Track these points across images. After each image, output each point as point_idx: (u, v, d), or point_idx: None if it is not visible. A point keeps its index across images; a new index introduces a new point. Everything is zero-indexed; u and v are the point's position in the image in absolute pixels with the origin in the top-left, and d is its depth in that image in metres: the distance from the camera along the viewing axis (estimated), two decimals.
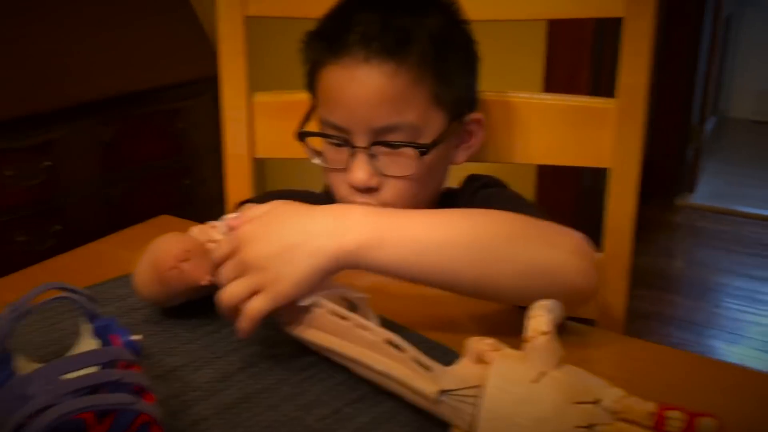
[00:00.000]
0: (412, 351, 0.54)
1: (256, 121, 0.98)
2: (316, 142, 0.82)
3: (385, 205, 0.78)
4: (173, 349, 0.66)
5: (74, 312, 0.72)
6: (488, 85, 0.88)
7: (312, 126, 0.83)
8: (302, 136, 0.81)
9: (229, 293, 0.60)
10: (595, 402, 0.48)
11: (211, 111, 2.14)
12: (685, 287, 2.53)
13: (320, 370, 0.62)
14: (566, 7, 0.88)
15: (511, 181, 0.89)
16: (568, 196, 1.96)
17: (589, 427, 0.48)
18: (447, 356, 0.63)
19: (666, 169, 3.09)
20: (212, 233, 0.70)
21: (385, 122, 0.75)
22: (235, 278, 0.61)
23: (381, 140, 0.75)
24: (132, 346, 0.53)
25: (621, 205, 0.89)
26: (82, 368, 0.50)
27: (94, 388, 0.49)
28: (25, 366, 0.60)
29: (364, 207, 0.65)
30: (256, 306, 0.59)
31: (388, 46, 0.74)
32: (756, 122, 4.33)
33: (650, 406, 0.47)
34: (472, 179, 0.87)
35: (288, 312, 0.62)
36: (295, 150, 0.99)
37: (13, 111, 1.68)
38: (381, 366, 0.55)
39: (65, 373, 0.49)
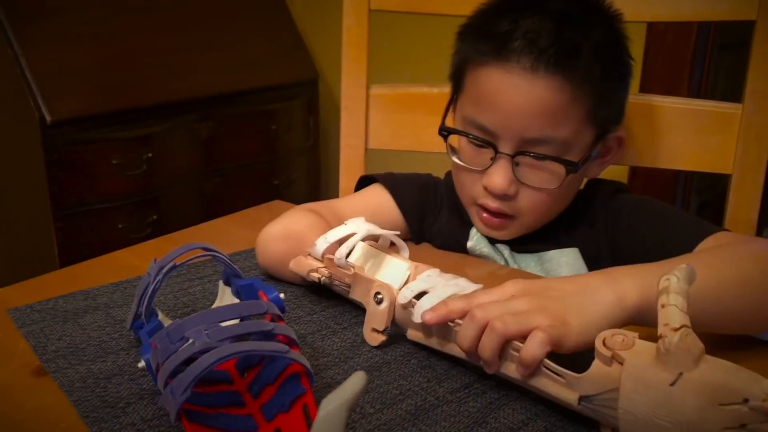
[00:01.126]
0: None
1: (371, 112, 1.00)
2: (453, 138, 0.80)
3: (518, 212, 0.77)
4: (300, 318, 0.67)
5: (203, 279, 0.75)
6: None
7: (448, 118, 0.82)
8: (446, 132, 0.79)
9: (505, 320, 0.53)
10: (744, 401, 0.44)
11: (303, 114, 2.20)
12: None
13: None
14: (694, 9, 0.87)
15: None
16: None
17: (741, 426, 0.44)
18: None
19: None
20: (309, 261, 0.69)
21: (538, 134, 0.72)
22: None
23: (528, 151, 0.73)
24: (278, 302, 0.55)
25: (742, 213, 0.87)
26: (233, 318, 0.52)
27: (242, 337, 0.51)
28: (164, 322, 0.62)
29: (632, 268, 0.60)
30: (545, 339, 0.51)
31: (558, 59, 0.71)
32: None
33: None
34: (595, 183, 0.85)
35: (406, 321, 0.62)
36: (406, 143, 1.01)
37: (121, 104, 1.76)
38: (513, 373, 0.54)
39: (219, 321, 0.50)
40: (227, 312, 0.51)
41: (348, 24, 0.97)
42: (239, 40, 2.06)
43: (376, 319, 0.62)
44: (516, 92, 0.72)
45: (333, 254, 0.66)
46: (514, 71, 0.72)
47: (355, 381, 0.34)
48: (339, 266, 0.66)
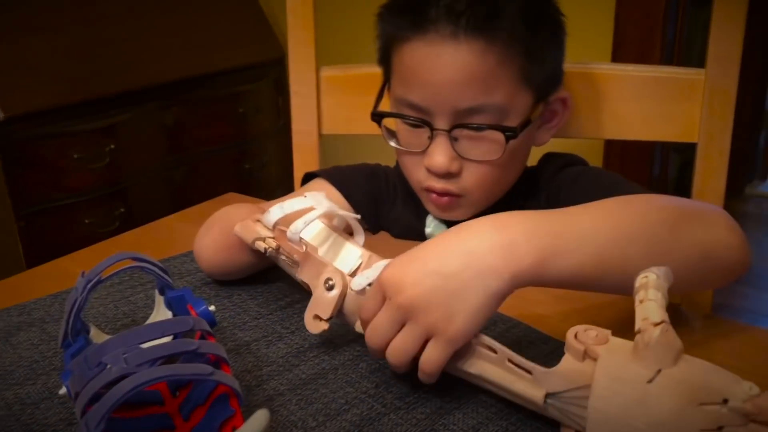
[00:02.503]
0: (506, 351, 0.49)
1: (322, 96, 0.95)
2: (390, 122, 0.78)
3: (464, 191, 0.74)
4: (245, 324, 0.64)
5: (146, 285, 0.71)
6: None
7: (385, 104, 0.79)
8: (378, 116, 0.77)
9: (397, 350, 0.51)
10: (723, 402, 0.42)
11: (271, 95, 2.15)
12: (756, 278, 2.42)
13: None
14: None
15: None
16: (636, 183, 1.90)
17: (718, 429, 0.42)
18: (540, 342, 0.60)
19: (736, 156, 2.96)
20: (258, 229, 0.65)
21: (471, 103, 0.70)
22: (393, 330, 0.51)
23: (464, 123, 0.71)
24: (208, 316, 0.51)
25: (709, 182, 0.84)
26: (158, 337, 0.48)
27: (170, 358, 0.48)
28: (97, 337, 0.59)
29: (523, 213, 0.53)
30: (434, 358, 0.49)
31: (478, 22, 0.68)
32: None
33: None
34: (549, 158, 0.82)
35: (355, 311, 0.58)
36: (362, 127, 0.96)
37: (79, 95, 1.71)
38: (476, 369, 0.51)
39: (141, 341, 0.47)
40: (151, 332, 0.48)
41: (292, 5, 0.92)
42: (200, 22, 2.00)
43: (321, 305, 0.58)
44: (441, 62, 0.69)
45: (286, 226, 0.62)
46: (435, 41, 0.69)
47: (257, 421, 0.31)
48: (291, 241, 0.61)
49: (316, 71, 0.94)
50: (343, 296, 0.58)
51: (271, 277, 0.71)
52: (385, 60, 0.77)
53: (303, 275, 0.61)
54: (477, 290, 0.49)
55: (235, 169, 2.06)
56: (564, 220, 0.53)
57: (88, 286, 0.54)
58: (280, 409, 0.52)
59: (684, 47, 1.95)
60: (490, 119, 0.70)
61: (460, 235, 0.51)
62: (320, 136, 0.97)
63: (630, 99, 0.86)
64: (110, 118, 1.75)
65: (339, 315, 0.59)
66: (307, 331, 0.61)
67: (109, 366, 0.45)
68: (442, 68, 0.69)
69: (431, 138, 0.72)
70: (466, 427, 0.50)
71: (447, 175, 0.73)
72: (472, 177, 0.73)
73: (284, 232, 0.62)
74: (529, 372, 0.48)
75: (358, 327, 0.58)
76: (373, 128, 0.95)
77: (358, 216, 0.65)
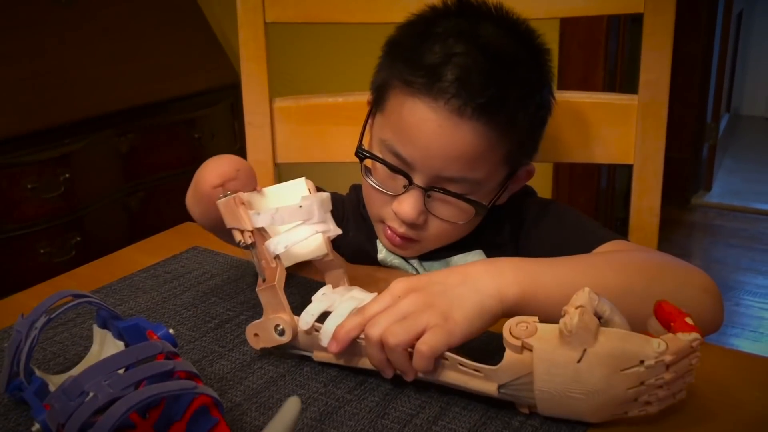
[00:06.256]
0: (456, 358, 0.55)
1: (276, 126, 0.98)
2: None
3: (423, 239, 0.77)
4: (181, 347, 0.65)
5: (67, 324, 0.71)
6: None
7: (366, 133, 0.80)
8: (362, 155, 0.78)
9: (399, 328, 0.55)
10: (640, 363, 0.50)
11: (227, 119, 2.16)
12: None
13: None
14: (585, 4, 0.88)
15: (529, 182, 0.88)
16: (585, 197, 1.96)
17: (641, 383, 0.51)
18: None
19: (681, 168, 3.08)
20: (241, 214, 0.61)
21: (454, 174, 0.72)
22: (395, 320, 0.56)
23: (441, 187, 0.73)
24: (169, 338, 0.54)
25: (645, 201, 0.89)
26: (132, 362, 0.50)
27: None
28: (44, 377, 0.58)
29: (509, 258, 0.61)
30: (433, 342, 0.54)
31: (485, 104, 0.69)
32: None
33: (691, 338, 0.50)
34: None
35: (310, 344, 0.61)
36: (316, 155, 0.99)
37: (31, 124, 1.70)
38: (436, 376, 0.56)
39: (117, 368, 0.49)
40: (122, 358, 0.50)
41: (245, 38, 0.95)
42: (152, 48, 2.01)
43: (268, 338, 0.61)
44: (440, 132, 0.71)
45: (270, 229, 0.62)
46: (440, 111, 0.70)
47: (291, 407, 0.38)
48: (267, 251, 0.61)
49: (269, 102, 0.97)
50: (294, 338, 0.61)
51: (195, 302, 0.73)
52: (380, 93, 0.77)
53: (261, 295, 0.61)
54: (471, 300, 0.57)
55: None
56: (548, 267, 0.61)
57: (37, 325, 0.55)
58: (243, 417, 0.55)
59: (626, 65, 2.03)
60: (465, 189, 0.74)
61: (455, 268, 0.62)
62: (275, 165, 0.99)
63: (570, 124, 0.90)
64: (64, 147, 1.74)
65: (296, 348, 0.62)
66: (246, 347, 0.64)
67: (92, 394, 0.46)
68: (439, 138, 0.71)
69: (406, 188, 0.74)
70: (413, 407, 0.56)
71: (411, 225, 0.75)
72: (433, 230, 0.76)
73: (264, 237, 0.62)
74: (478, 371, 0.54)
75: (317, 356, 0.61)
76: (325, 155, 0.99)
77: (339, 231, 0.67)
